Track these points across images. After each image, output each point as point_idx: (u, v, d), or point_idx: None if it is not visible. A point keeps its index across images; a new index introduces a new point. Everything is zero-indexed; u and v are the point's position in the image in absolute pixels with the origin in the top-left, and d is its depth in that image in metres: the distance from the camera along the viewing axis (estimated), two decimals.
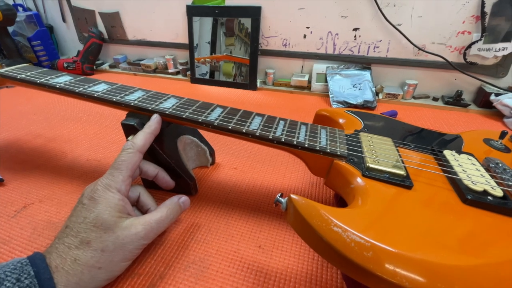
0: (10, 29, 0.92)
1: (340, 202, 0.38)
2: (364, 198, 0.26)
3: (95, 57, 0.94)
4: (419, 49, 0.68)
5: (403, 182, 0.28)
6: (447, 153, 0.33)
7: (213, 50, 0.82)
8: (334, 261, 0.23)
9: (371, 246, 0.21)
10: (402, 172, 0.28)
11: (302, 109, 0.71)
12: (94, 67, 0.96)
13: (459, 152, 0.33)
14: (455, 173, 0.29)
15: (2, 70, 0.42)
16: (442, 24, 0.66)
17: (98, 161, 0.49)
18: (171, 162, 0.37)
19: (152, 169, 0.35)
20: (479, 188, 0.27)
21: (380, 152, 0.32)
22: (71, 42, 1.05)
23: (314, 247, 0.24)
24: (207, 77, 0.86)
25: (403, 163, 0.30)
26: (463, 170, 0.30)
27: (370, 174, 0.28)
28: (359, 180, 0.28)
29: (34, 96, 0.75)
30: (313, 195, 0.41)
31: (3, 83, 0.43)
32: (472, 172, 0.29)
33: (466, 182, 0.28)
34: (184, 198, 0.34)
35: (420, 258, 0.20)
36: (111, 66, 0.98)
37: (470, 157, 0.33)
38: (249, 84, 0.82)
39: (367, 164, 0.29)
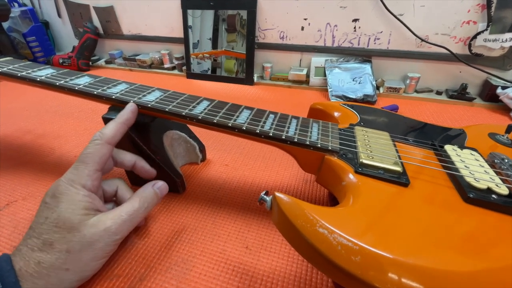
0: (6, 25, 0.91)
1: (334, 200, 0.36)
2: (356, 197, 0.24)
3: (91, 53, 0.93)
4: (422, 40, 0.65)
5: (399, 179, 0.26)
6: (448, 148, 0.31)
7: (214, 46, 0.80)
8: (320, 266, 0.21)
9: (359, 250, 0.19)
10: (398, 168, 0.26)
11: (300, 104, 0.68)
12: (90, 63, 0.95)
13: (462, 147, 0.31)
14: (456, 170, 0.27)
15: None
16: (446, 14, 0.62)
17: None
18: (156, 158, 0.35)
19: (128, 158, 0.32)
20: (482, 185, 0.25)
21: (375, 147, 0.29)
22: (67, 38, 1.04)
23: (299, 250, 0.22)
24: (209, 73, 0.84)
25: (399, 158, 0.28)
26: (465, 166, 0.27)
27: (363, 170, 0.26)
28: (351, 176, 0.26)
29: (25, 92, 0.74)
30: (306, 193, 0.39)
31: None
32: (475, 169, 0.27)
33: (468, 179, 0.25)
34: (159, 184, 0.31)
35: (414, 264, 0.18)
36: (107, 62, 0.96)
37: (474, 152, 0.30)
38: (246, 78, 0.80)
39: (360, 160, 0.27)
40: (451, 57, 0.65)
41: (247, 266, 0.29)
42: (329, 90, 0.70)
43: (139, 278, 0.28)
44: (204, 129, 0.32)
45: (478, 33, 0.62)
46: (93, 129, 0.56)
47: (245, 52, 0.77)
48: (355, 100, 0.67)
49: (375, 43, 0.70)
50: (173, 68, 0.90)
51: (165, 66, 0.89)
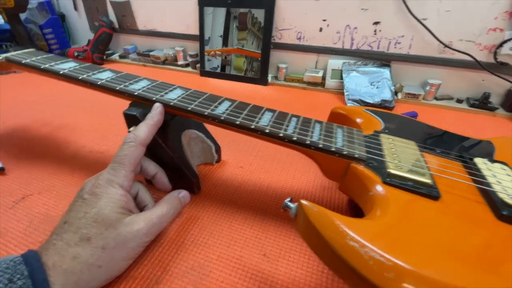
0: (23, 16, 0.92)
1: (354, 209, 0.35)
2: (384, 208, 0.23)
3: (105, 47, 0.93)
4: (445, 46, 0.63)
5: (429, 192, 0.24)
6: (478, 161, 0.29)
7: (225, 43, 0.80)
8: (347, 279, 0.20)
9: (393, 266, 0.18)
10: (428, 181, 0.25)
11: (315, 106, 0.67)
12: (104, 57, 0.95)
13: (492, 160, 0.30)
14: (488, 184, 0.26)
15: (8, 54, 0.40)
16: (471, 20, 0.61)
17: (101, 153, 0.47)
18: (174, 156, 0.34)
19: (152, 167, 0.34)
20: None
21: (403, 156, 0.28)
22: (83, 31, 1.05)
23: (325, 261, 0.21)
24: (218, 71, 0.83)
25: (429, 170, 0.27)
26: (498, 182, 0.26)
27: (392, 181, 0.25)
28: (379, 187, 0.25)
29: (42, 85, 0.74)
30: (324, 200, 0.38)
31: (9, 68, 0.41)
32: (507, 184, 0.26)
33: (501, 195, 0.24)
34: (184, 193, 0.33)
35: (450, 283, 0.17)
36: (121, 56, 0.97)
37: (505, 167, 0.29)
38: (260, 78, 0.79)
39: (388, 170, 0.26)
40: (475, 65, 0.63)
41: (265, 274, 0.28)
42: (345, 93, 0.69)
43: (155, 281, 0.27)
44: (221, 129, 0.32)
45: (505, 41, 0.60)
46: (107, 124, 0.56)
47: (255, 50, 0.77)
48: (372, 105, 0.65)
49: (395, 47, 0.68)
50: (187, 65, 0.90)
51: (179, 63, 0.89)
